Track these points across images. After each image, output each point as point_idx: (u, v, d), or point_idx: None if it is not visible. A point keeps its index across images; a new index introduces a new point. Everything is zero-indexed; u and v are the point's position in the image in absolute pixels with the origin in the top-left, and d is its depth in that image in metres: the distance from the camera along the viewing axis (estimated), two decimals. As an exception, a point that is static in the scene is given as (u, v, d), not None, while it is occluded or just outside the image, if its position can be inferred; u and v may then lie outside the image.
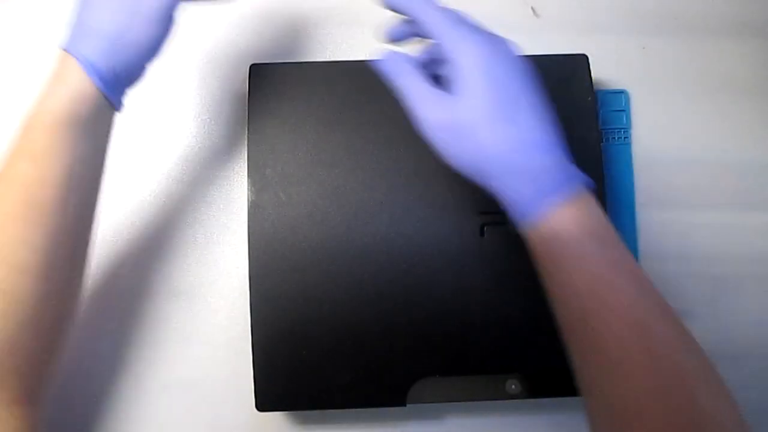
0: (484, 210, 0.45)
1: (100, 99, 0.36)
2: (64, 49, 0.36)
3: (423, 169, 0.45)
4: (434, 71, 0.36)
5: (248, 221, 0.45)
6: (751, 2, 0.55)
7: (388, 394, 0.44)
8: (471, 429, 0.50)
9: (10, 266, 0.35)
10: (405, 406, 0.44)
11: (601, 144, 0.49)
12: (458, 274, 0.44)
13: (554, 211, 0.32)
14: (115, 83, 0.37)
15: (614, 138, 0.53)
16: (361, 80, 0.45)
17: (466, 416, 0.50)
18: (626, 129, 0.53)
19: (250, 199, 0.45)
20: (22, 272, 0.35)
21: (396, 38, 0.38)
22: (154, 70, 0.52)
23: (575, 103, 0.46)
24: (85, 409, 0.48)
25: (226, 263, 0.50)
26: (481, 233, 0.45)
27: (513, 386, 0.45)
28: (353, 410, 0.48)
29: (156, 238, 0.50)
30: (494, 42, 0.34)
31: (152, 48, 0.38)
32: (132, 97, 0.51)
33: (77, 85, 0.35)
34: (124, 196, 0.51)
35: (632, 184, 0.52)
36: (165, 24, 0.37)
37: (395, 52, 0.36)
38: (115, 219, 0.51)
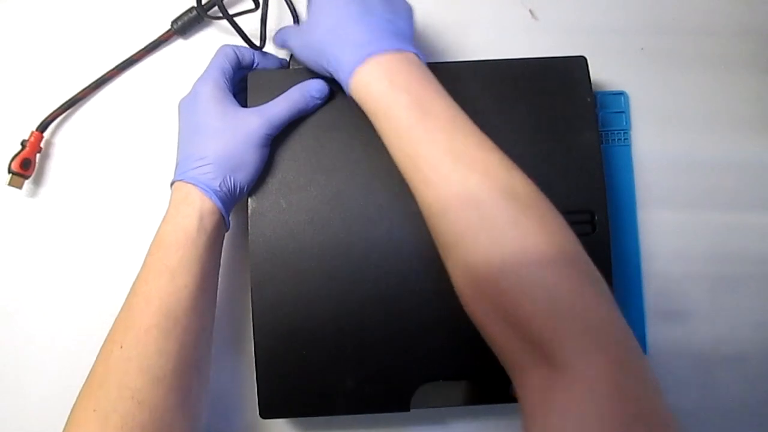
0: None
1: (219, 215, 0.42)
2: (181, 180, 0.41)
3: (424, 174, 0.45)
4: None
5: (249, 229, 0.44)
6: (750, 2, 0.55)
7: (392, 399, 0.44)
8: (475, 433, 0.50)
9: (148, 376, 0.37)
10: (409, 410, 0.44)
11: (601, 146, 0.49)
12: (460, 279, 0.44)
13: (366, 63, 0.38)
14: (227, 201, 0.42)
15: (614, 139, 0.53)
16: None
17: (470, 420, 0.50)
18: (626, 130, 0.53)
19: (250, 207, 0.45)
20: (158, 382, 0.37)
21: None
22: (153, 74, 0.52)
23: (575, 105, 0.46)
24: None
25: (228, 271, 0.50)
26: (483, 237, 0.45)
27: (517, 390, 0.45)
28: (357, 416, 0.48)
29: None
30: None
31: (255, 170, 0.43)
32: (133, 104, 0.52)
33: (201, 204, 0.41)
34: (126, 203, 0.51)
35: (632, 184, 0.53)
36: (264, 148, 0.43)
37: (282, 28, 0.49)
38: (115, 225, 0.51)
